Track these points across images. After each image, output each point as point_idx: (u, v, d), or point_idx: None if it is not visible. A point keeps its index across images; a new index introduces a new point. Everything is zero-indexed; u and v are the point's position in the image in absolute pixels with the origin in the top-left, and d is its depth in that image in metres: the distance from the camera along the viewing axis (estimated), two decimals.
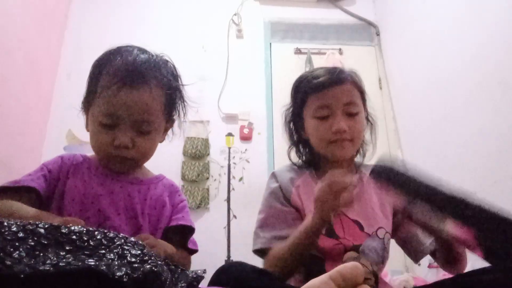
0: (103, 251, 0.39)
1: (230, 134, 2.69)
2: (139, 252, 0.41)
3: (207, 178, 2.64)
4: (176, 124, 0.95)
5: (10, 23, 2.22)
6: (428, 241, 0.96)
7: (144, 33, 2.79)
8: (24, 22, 2.35)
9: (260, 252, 0.97)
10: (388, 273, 1.79)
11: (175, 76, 0.91)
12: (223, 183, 2.63)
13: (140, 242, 0.44)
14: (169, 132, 0.96)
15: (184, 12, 3.05)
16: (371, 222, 0.99)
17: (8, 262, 0.35)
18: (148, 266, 0.40)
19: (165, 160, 2.27)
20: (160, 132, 0.89)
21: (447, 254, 0.90)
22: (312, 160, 1.07)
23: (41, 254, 0.38)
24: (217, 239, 2.43)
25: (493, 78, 1.82)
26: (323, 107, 0.98)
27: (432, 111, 2.26)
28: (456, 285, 0.77)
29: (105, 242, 0.40)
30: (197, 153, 2.66)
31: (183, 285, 0.49)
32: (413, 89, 2.59)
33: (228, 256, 2.33)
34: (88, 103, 0.86)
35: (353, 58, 3.00)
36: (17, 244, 0.37)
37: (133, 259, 0.40)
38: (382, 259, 0.99)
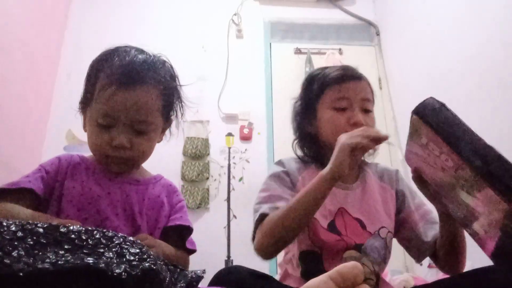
0: (102, 250, 0.39)
1: (230, 134, 2.69)
2: (137, 250, 0.41)
3: (207, 178, 2.64)
4: (174, 124, 0.95)
5: (10, 23, 2.22)
6: (430, 240, 0.95)
7: (144, 33, 2.80)
8: (24, 22, 2.35)
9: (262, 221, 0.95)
10: (388, 273, 1.79)
11: (173, 76, 0.91)
12: (223, 183, 2.63)
13: (139, 242, 0.44)
14: (167, 132, 0.96)
15: (184, 12, 3.05)
16: (374, 221, 0.98)
17: (7, 261, 0.35)
18: (147, 264, 0.40)
19: (165, 160, 2.28)
20: (158, 132, 0.89)
21: (450, 250, 0.90)
22: (318, 155, 1.06)
23: (40, 253, 0.38)
24: (217, 239, 2.43)
25: (492, 78, 1.82)
26: (342, 98, 0.98)
27: None
28: (456, 284, 0.78)
29: (104, 241, 0.41)
30: (197, 153, 2.66)
31: (182, 285, 0.49)
32: (413, 89, 2.59)
33: (228, 256, 2.33)
34: (85, 103, 0.86)
35: (353, 58, 3.00)
36: (16, 243, 0.37)
37: (132, 257, 0.40)
38: (383, 258, 0.98)
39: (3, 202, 0.74)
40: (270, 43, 3.07)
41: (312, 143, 1.07)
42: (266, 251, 0.89)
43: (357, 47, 3.10)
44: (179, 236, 0.90)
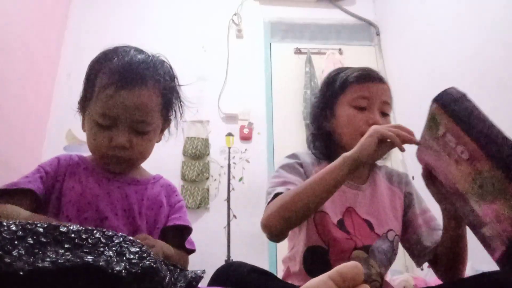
0: (102, 249, 0.40)
1: (230, 134, 2.69)
2: (137, 249, 0.41)
3: (207, 178, 2.64)
4: (172, 124, 0.95)
5: (10, 23, 2.22)
6: (431, 245, 0.96)
7: (144, 33, 2.80)
8: (24, 22, 2.35)
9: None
10: (388, 273, 1.79)
11: (172, 76, 0.90)
12: (223, 183, 2.63)
13: (139, 241, 0.44)
14: (166, 132, 0.95)
15: (184, 12, 3.05)
16: (382, 223, 0.99)
17: (8, 260, 0.35)
18: (147, 262, 0.40)
19: (165, 160, 2.28)
20: (157, 132, 0.89)
21: (451, 254, 0.89)
22: (329, 152, 1.06)
23: (40, 252, 0.38)
24: (217, 239, 2.43)
25: (492, 78, 1.82)
26: (363, 98, 0.98)
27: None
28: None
29: (104, 240, 0.41)
30: (197, 153, 2.66)
31: (182, 285, 0.49)
32: (413, 89, 2.59)
33: (228, 256, 2.33)
34: (84, 104, 0.86)
35: (353, 58, 3.01)
36: (16, 242, 0.37)
37: (132, 256, 0.40)
38: (389, 261, 0.99)
39: (3, 203, 0.74)
40: (270, 43, 3.07)
41: (326, 139, 1.07)
42: (274, 226, 0.88)
43: (357, 47, 3.10)
44: (179, 236, 0.90)
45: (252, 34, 3.09)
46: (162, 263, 0.48)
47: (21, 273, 0.34)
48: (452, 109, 0.59)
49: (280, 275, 1.04)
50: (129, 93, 0.80)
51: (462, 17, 2.10)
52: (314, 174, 0.88)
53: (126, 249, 0.41)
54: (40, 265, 0.35)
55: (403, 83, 2.77)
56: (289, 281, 0.98)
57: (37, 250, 0.38)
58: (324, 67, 2.92)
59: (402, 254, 2.27)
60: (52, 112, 2.68)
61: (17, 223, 0.39)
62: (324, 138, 1.07)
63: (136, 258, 0.40)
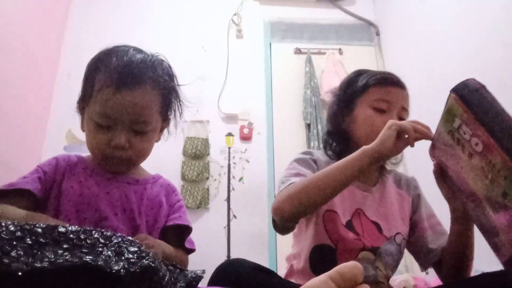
0: (101, 249, 0.39)
1: (230, 134, 2.69)
2: (136, 249, 0.41)
3: (207, 178, 2.64)
4: (172, 123, 0.95)
5: (10, 23, 2.22)
6: (436, 248, 0.96)
7: (144, 33, 2.80)
8: (24, 22, 2.35)
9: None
10: None
11: (171, 76, 0.90)
12: (223, 183, 2.63)
13: (138, 241, 0.44)
14: (166, 131, 0.95)
15: (184, 12, 3.05)
16: (390, 226, 0.99)
17: (6, 261, 0.35)
18: (146, 262, 0.40)
19: (165, 160, 2.28)
20: (156, 132, 0.89)
21: (457, 256, 0.89)
22: (343, 151, 1.05)
23: (39, 253, 0.38)
24: (217, 239, 2.43)
25: (492, 78, 1.82)
26: (384, 100, 0.99)
27: (431, 111, 2.26)
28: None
29: (103, 240, 0.41)
30: (197, 153, 2.66)
31: (182, 285, 0.49)
32: (412, 89, 2.56)
33: (228, 256, 2.33)
34: (83, 104, 0.85)
35: (353, 58, 3.01)
36: (14, 243, 0.37)
37: (131, 255, 0.40)
38: (396, 264, 0.99)
39: (1, 203, 0.74)
40: (270, 43, 3.07)
41: (341, 138, 1.06)
42: (286, 209, 0.87)
43: (357, 47, 3.10)
44: (178, 235, 0.89)
45: (252, 34, 3.09)
46: (162, 262, 0.47)
47: (20, 273, 0.34)
48: (470, 99, 0.59)
49: (280, 274, 1.04)
50: (128, 93, 0.79)
51: (462, 17, 2.10)
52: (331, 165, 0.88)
53: (125, 249, 0.40)
54: (39, 265, 0.35)
55: None
56: (292, 279, 0.98)
57: (35, 251, 0.38)
58: (324, 67, 2.92)
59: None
60: (52, 112, 2.68)
61: (15, 223, 0.39)
62: (339, 136, 1.07)
63: (135, 257, 0.40)
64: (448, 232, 0.90)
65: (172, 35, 2.93)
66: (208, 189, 2.61)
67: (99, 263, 0.37)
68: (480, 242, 0.79)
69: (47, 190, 0.81)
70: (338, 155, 1.05)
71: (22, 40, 2.32)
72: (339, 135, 1.07)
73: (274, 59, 3.02)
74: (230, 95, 2.88)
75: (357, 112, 1.02)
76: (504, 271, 0.63)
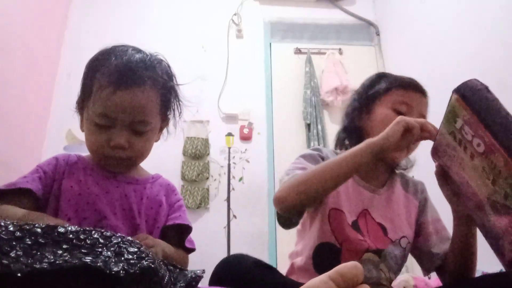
0: (100, 249, 0.39)
1: (230, 134, 2.69)
2: (136, 249, 0.41)
3: (207, 178, 2.64)
4: (171, 123, 0.95)
5: (10, 23, 2.22)
6: (440, 252, 0.95)
7: (144, 33, 2.80)
8: (24, 22, 2.35)
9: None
10: None
11: (170, 75, 0.90)
12: (223, 183, 2.63)
13: (137, 241, 0.44)
14: (165, 131, 0.95)
15: (184, 12, 3.05)
16: (396, 228, 0.99)
17: (5, 261, 0.35)
18: (145, 262, 0.40)
19: (165, 160, 2.28)
20: (155, 131, 0.89)
21: (460, 259, 0.88)
22: None
23: (38, 253, 0.37)
24: (217, 239, 2.43)
25: (492, 78, 1.81)
26: (405, 104, 0.99)
27: (432, 111, 2.25)
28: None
29: (102, 241, 0.40)
30: (197, 153, 2.66)
31: (182, 284, 0.49)
32: None
33: None
34: (82, 104, 0.85)
35: (353, 58, 3.01)
36: (14, 243, 0.37)
37: (130, 256, 0.40)
38: (399, 268, 0.99)
39: (0, 203, 0.74)
40: (270, 43, 3.07)
41: (355, 135, 1.07)
42: (288, 198, 0.86)
43: (357, 47, 3.10)
44: (178, 235, 0.89)
45: (252, 34, 3.08)
46: (161, 263, 0.47)
47: (19, 274, 0.34)
48: (472, 100, 0.58)
49: None
50: (128, 93, 0.79)
51: (462, 17, 2.10)
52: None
53: (125, 250, 0.40)
54: (38, 266, 0.35)
55: None
56: (293, 277, 0.98)
57: (35, 251, 0.38)
58: (324, 67, 2.92)
59: None
60: (52, 112, 2.68)
61: (15, 223, 0.39)
62: (354, 134, 1.07)
63: (135, 258, 0.40)
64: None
65: (172, 35, 2.93)
66: (208, 189, 2.61)
67: (99, 264, 0.36)
68: (480, 243, 0.79)
69: (47, 190, 0.81)
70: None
71: (22, 40, 2.32)
72: (354, 132, 1.07)
73: (274, 59, 3.02)
74: (230, 95, 2.88)
75: (376, 111, 1.02)
76: (504, 272, 0.63)
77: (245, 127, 2.79)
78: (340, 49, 3.04)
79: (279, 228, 2.56)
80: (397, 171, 1.11)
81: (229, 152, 2.65)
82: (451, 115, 0.64)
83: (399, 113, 0.98)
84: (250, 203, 2.61)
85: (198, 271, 0.55)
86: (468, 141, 0.60)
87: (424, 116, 1.02)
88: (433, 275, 1.04)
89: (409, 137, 0.82)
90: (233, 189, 2.60)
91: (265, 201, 2.62)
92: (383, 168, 1.05)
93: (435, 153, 0.75)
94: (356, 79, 2.96)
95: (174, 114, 0.93)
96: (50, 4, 2.72)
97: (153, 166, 0.99)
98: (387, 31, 3.06)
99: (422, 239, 1.01)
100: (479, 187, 0.61)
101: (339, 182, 0.86)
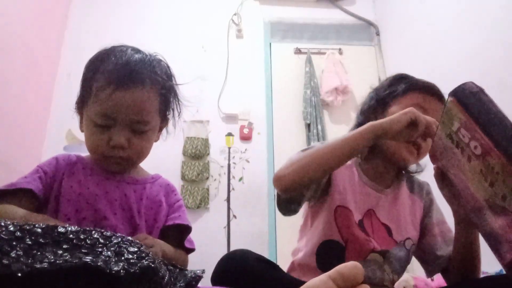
0: (100, 249, 0.39)
1: (230, 134, 2.69)
2: (136, 249, 0.41)
3: (207, 178, 2.64)
4: (171, 123, 0.95)
5: (10, 23, 2.22)
6: (444, 255, 0.95)
7: (144, 33, 2.80)
8: (24, 22, 2.35)
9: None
10: None
11: (169, 75, 0.90)
12: (223, 183, 2.63)
13: (137, 241, 0.44)
14: (164, 131, 0.95)
15: (184, 12, 3.05)
16: (401, 230, 0.99)
17: (6, 261, 0.35)
18: (145, 262, 0.40)
19: (165, 160, 2.28)
20: (155, 131, 0.89)
21: (464, 259, 0.88)
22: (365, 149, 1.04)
23: (38, 253, 0.37)
24: (217, 239, 2.43)
25: (492, 78, 1.82)
26: (421, 107, 0.97)
27: None
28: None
29: (102, 241, 0.41)
30: (197, 153, 2.66)
31: (181, 284, 0.49)
32: None
33: None
34: (82, 104, 0.86)
35: (353, 58, 3.01)
36: (14, 243, 0.37)
37: (130, 256, 0.40)
38: (402, 269, 0.99)
39: (1, 203, 0.74)
40: (270, 43, 3.07)
41: None
42: (286, 177, 0.84)
43: (357, 47, 3.10)
44: (178, 235, 0.89)
45: (252, 34, 3.08)
46: (161, 262, 0.47)
47: (19, 274, 0.34)
48: (468, 103, 0.59)
49: None
50: (127, 93, 0.79)
51: (462, 17, 2.10)
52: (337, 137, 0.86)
53: (125, 249, 0.40)
54: (38, 266, 0.35)
55: None
56: (294, 274, 0.98)
57: (35, 251, 0.38)
58: (324, 67, 2.92)
59: None
60: (52, 112, 2.68)
61: (15, 223, 0.39)
62: None
63: (135, 258, 0.40)
64: None
65: (172, 35, 2.93)
66: (208, 189, 2.61)
67: (99, 263, 0.36)
68: (481, 243, 0.79)
69: (47, 190, 0.81)
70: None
71: (22, 40, 2.32)
72: None
73: (274, 59, 3.02)
74: (230, 95, 2.88)
75: (391, 111, 1.01)
76: (505, 275, 0.63)
77: (245, 127, 2.79)
78: (340, 49, 3.04)
79: (279, 228, 2.57)
80: (403, 172, 1.09)
81: (229, 152, 2.65)
82: (447, 118, 0.64)
83: None
84: (250, 203, 2.61)
85: (198, 271, 0.55)
86: (465, 143, 0.60)
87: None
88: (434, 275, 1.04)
89: (413, 131, 0.81)
90: (233, 189, 2.60)
91: (265, 201, 2.62)
92: (391, 169, 1.03)
93: (433, 155, 0.75)
94: (356, 79, 2.98)
95: (173, 114, 0.93)
96: (50, 4, 2.72)
97: (153, 166, 0.99)
98: (387, 31, 3.06)
99: (427, 241, 1.00)
100: (477, 189, 0.61)
101: (340, 162, 0.85)
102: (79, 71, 0.89)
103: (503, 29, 1.78)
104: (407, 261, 0.99)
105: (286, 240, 2.46)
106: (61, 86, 2.72)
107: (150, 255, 0.42)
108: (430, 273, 0.99)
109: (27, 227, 0.39)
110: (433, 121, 0.82)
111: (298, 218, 1.11)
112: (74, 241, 0.40)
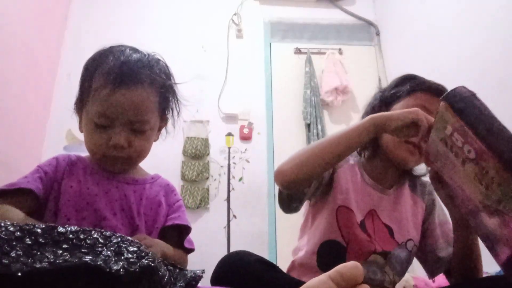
0: (100, 249, 0.39)
1: (230, 134, 2.69)
2: (136, 249, 0.41)
3: (207, 178, 2.64)
4: (170, 123, 0.95)
5: (10, 23, 2.22)
6: (446, 256, 0.95)
7: (144, 33, 2.80)
8: (24, 22, 2.35)
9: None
10: None
11: (168, 75, 0.90)
12: (223, 183, 2.63)
13: (137, 241, 0.44)
14: (163, 130, 0.95)
15: (184, 12, 3.05)
16: (402, 231, 0.98)
17: (5, 261, 0.35)
18: (145, 261, 0.40)
19: (165, 160, 2.28)
20: (154, 131, 0.89)
21: (464, 259, 0.88)
22: (368, 148, 1.05)
23: (38, 253, 0.38)
24: (217, 239, 2.43)
25: (492, 78, 1.82)
26: (425, 108, 0.95)
27: None
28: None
29: (102, 240, 0.41)
30: (197, 153, 2.66)
31: (181, 284, 0.49)
32: None
33: None
34: (81, 104, 0.86)
35: (353, 58, 3.01)
36: (14, 243, 0.37)
37: (130, 255, 0.40)
38: (404, 271, 0.98)
39: (1, 203, 0.74)
40: (270, 43, 3.07)
41: None
42: (287, 171, 0.83)
43: (357, 47, 3.10)
44: (177, 235, 0.89)
45: (252, 34, 3.08)
46: (161, 262, 0.47)
47: (19, 274, 0.34)
48: (460, 107, 0.59)
49: None
50: (126, 92, 0.79)
51: (462, 17, 2.10)
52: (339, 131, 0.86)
53: (125, 249, 0.40)
54: (38, 266, 0.35)
55: None
56: (293, 273, 0.98)
57: (35, 251, 0.38)
58: (324, 67, 2.92)
59: None
60: (52, 112, 2.68)
61: (15, 223, 0.39)
62: None
63: (135, 257, 0.40)
64: None
65: (172, 35, 2.93)
66: (208, 189, 2.61)
67: (99, 263, 0.37)
68: (480, 243, 0.79)
69: (47, 190, 0.81)
70: (362, 149, 1.05)
71: (22, 40, 2.32)
72: None
73: (274, 59, 3.02)
74: (230, 95, 2.88)
75: (395, 108, 1.00)
76: (504, 275, 0.63)
77: (245, 127, 2.79)
78: (340, 49, 3.04)
79: (279, 228, 2.57)
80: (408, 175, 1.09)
81: (229, 152, 2.65)
82: (440, 123, 0.64)
83: None
84: (250, 203, 2.61)
85: (198, 271, 0.55)
86: (459, 147, 0.61)
87: None
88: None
89: (413, 131, 0.81)
90: (233, 189, 2.60)
91: (265, 201, 2.62)
92: (394, 170, 1.03)
93: (428, 158, 0.76)
94: (356, 79, 2.98)
95: (173, 113, 0.93)
96: (50, 4, 2.72)
97: (153, 166, 0.99)
98: (387, 31, 3.06)
99: (428, 242, 1.00)
100: (473, 192, 0.61)
101: (341, 154, 0.84)
102: (79, 71, 0.89)
103: (503, 29, 1.78)
104: (409, 263, 0.99)
105: (286, 240, 2.46)
106: (61, 86, 2.72)
107: (150, 254, 0.42)
108: (431, 275, 0.99)
109: (27, 227, 0.39)
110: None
111: (298, 218, 1.11)
112: (74, 241, 0.40)
